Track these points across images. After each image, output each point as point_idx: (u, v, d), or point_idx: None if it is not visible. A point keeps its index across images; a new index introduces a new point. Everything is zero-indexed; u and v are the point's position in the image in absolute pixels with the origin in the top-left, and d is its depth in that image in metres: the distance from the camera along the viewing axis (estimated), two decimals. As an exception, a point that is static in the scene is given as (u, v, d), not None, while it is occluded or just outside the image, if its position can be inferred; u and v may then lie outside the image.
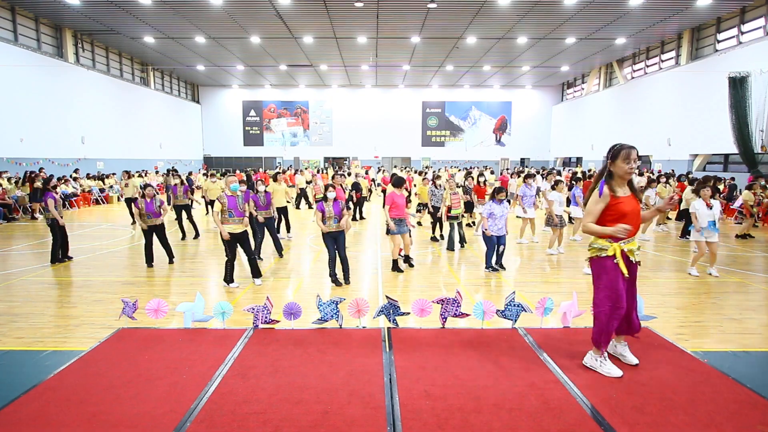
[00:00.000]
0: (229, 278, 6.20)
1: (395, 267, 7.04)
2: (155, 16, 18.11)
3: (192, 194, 10.50)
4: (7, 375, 3.60)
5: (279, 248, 8.14)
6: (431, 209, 9.43)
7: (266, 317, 3.88)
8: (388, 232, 6.97)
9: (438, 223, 9.65)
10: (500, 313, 3.90)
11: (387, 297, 3.99)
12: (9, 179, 14.72)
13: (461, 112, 35.10)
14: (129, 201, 12.22)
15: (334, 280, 6.32)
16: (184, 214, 9.98)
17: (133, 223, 11.81)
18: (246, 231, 6.28)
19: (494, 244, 6.95)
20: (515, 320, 3.89)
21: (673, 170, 19.63)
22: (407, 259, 7.34)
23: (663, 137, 21.16)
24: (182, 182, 10.65)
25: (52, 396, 2.79)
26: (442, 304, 3.93)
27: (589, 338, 3.22)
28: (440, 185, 9.45)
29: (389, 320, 3.92)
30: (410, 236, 7.42)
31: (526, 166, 32.91)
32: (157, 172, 25.18)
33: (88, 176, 18.86)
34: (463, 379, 3.02)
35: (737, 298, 5.85)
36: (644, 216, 3.24)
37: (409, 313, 4.00)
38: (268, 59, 25.57)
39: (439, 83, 33.49)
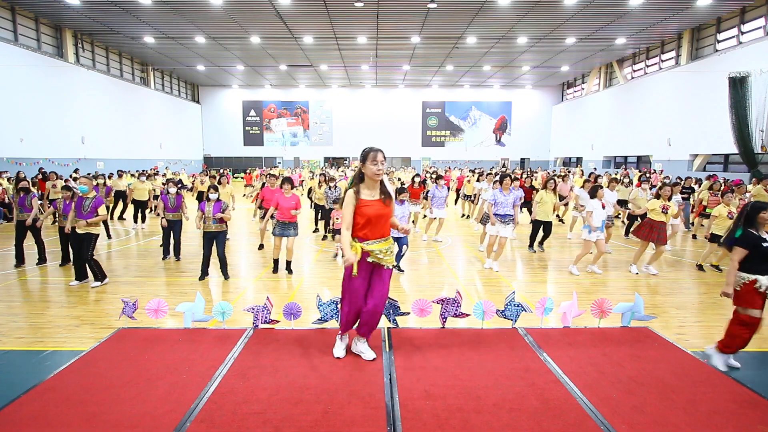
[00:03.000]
0: (80, 275, 6.30)
1: (274, 268, 6.94)
2: (155, 16, 18.12)
3: (107, 196, 10.46)
4: (7, 375, 3.60)
5: (177, 251, 7.88)
6: (323, 211, 9.59)
7: (266, 317, 3.88)
8: (274, 233, 6.82)
9: (326, 224, 9.77)
10: (500, 313, 3.90)
11: (387, 297, 3.99)
12: (9, 179, 14.71)
13: (461, 112, 35.11)
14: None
15: (202, 278, 6.50)
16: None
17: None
18: (95, 234, 6.24)
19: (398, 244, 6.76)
20: (515, 320, 3.89)
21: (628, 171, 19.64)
22: (288, 265, 6.96)
23: (663, 137, 21.16)
24: (104, 184, 10.64)
25: (52, 396, 2.79)
26: (442, 304, 3.93)
27: (589, 338, 3.27)
28: (335, 187, 9.41)
29: (389, 320, 3.92)
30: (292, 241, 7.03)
31: (507, 167, 32.96)
32: (156, 173, 25.23)
33: (88, 176, 18.87)
34: (463, 379, 3.02)
35: (737, 298, 5.84)
36: (393, 222, 3.33)
37: (409, 313, 4.00)
38: (268, 59, 25.58)
39: (439, 83, 33.50)
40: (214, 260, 6.62)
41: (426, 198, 9.93)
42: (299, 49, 23.22)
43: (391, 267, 3.24)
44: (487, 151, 35.35)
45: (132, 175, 16.46)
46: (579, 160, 30.49)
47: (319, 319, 3.85)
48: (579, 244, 9.37)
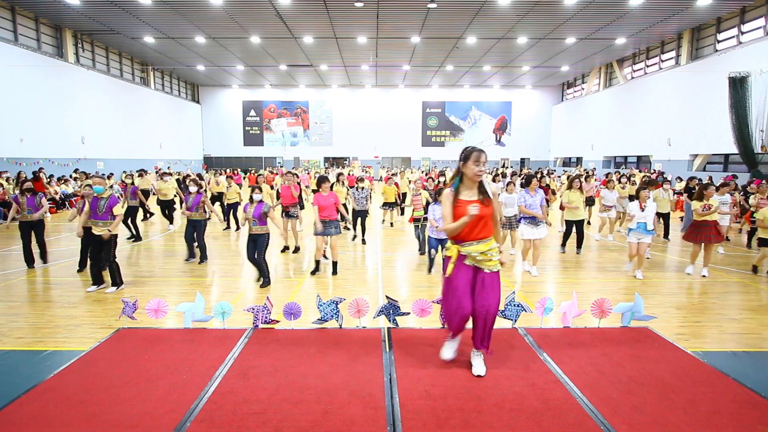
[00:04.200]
0: (96, 281, 6.04)
1: (315, 268, 6.86)
2: (155, 16, 18.11)
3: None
4: (7, 375, 3.60)
5: (203, 253, 7.81)
6: (353, 212, 9.38)
7: (266, 317, 3.88)
8: (316, 233, 6.80)
9: (361, 226, 9.53)
10: (500, 313, 3.89)
11: (387, 297, 3.99)
12: (8, 179, 14.72)
13: (461, 112, 35.11)
14: None
15: (267, 281, 6.27)
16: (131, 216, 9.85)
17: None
18: (114, 235, 6.08)
19: (432, 246, 6.78)
20: (515, 320, 3.89)
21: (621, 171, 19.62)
22: (333, 265, 6.96)
23: (663, 137, 21.16)
24: (132, 183, 10.59)
25: (52, 396, 2.79)
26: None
27: (589, 338, 3.29)
28: (362, 188, 9.35)
29: (389, 320, 3.92)
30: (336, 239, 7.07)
31: (510, 167, 32.96)
32: (156, 172, 25.26)
33: (87, 176, 18.86)
34: (463, 379, 3.02)
35: (737, 298, 5.85)
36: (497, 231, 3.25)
37: (409, 313, 4.00)
38: (268, 59, 25.57)
39: (439, 83, 33.49)
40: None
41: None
42: (299, 49, 23.22)
43: (494, 271, 3.06)
44: (487, 151, 35.23)
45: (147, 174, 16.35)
46: (579, 160, 30.49)
47: (319, 319, 3.86)
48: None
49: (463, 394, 2.82)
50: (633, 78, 24.67)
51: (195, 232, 7.66)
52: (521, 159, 35.28)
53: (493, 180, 13.02)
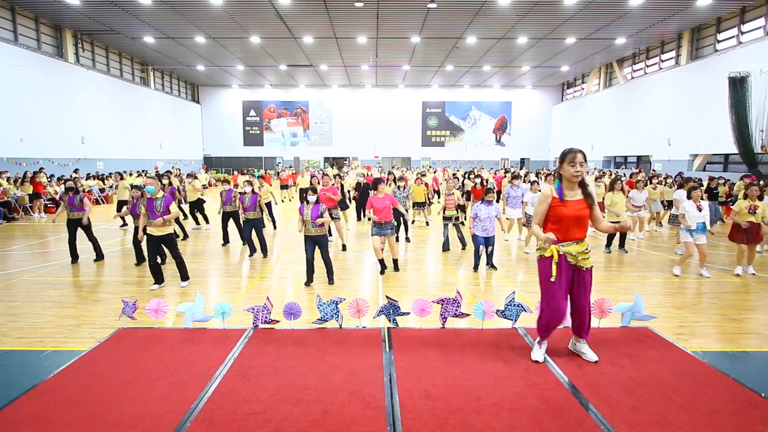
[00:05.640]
0: (158, 279, 6.14)
1: (382, 268, 6.92)
2: (155, 16, 18.11)
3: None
4: (7, 375, 3.60)
5: (264, 249, 8.07)
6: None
7: (266, 317, 3.89)
8: (372, 233, 6.83)
9: (403, 224, 9.48)
10: (500, 313, 3.90)
11: (387, 297, 3.99)
12: (8, 179, 14.72)
13: (461, 112, 35.10)
14: None
15: (308, 283, 6.23)
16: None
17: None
18: (171, 234, 6.15)
19: (479, 244, 6.87)
20: (515, 320, 3.89)
21: (654, 170, 19.59)
22: (395, 263, 7.05)
23: (663, 137, 21.16)
24: (169, 183, 10.62)
25: (52, 396, 2.79)
26: (442, 304, 3.93)
27: (588, 338, 3.32)
28: (402, 187, 9.36)
29: (389, 320, 3.93)
30: (396, 239, 7.11)
31: (525, 167, 32.94)
32: (157, 173, 25.24)
33: (88, 176, 18.88)
34: (463, 379, 3.02)
35: (737, 298, 5.84)
36: (605, 227, 3.26)
37: (409, 313, 4.00)
38: (268, 59, 25.57)
39: (439, 83, 33.48)
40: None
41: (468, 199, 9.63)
42: (299, 49, 23.22)
43: (589, 267, 3.19)
44: (487, 151, 35.33)
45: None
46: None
47: (319, 319, 3.86)
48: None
49: (463, 394, 2.82)
50: (633, 78, 24.67)
51: (254, 229, 7.90)
52: (521, 159, 35.27)
53: (511, 181, 12.90)
